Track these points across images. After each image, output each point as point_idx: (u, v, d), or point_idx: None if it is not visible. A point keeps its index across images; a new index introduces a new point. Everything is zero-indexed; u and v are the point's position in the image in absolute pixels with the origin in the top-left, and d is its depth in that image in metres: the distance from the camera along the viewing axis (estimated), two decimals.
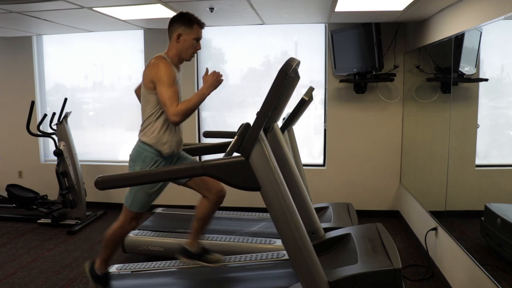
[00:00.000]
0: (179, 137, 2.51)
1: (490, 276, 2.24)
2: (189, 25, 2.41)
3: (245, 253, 3.01)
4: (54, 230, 4.23)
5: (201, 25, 2.45)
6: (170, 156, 2.50)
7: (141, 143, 2.43)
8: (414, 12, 3.40)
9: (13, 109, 5.06)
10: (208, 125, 4.85)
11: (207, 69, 2.39)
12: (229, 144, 1.79)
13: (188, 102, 2.27)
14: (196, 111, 4.70)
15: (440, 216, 3.15)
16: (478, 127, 2.84)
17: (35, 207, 4.51)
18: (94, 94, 5.21)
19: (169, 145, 2.44)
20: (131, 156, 2.46)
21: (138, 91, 2.68)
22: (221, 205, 4.64)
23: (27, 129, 4.32)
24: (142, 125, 2.47)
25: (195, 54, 2.55)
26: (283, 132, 3.27)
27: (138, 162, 2.41)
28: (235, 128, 2.04)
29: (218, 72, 2.33)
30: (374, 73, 4.13)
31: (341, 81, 4.36)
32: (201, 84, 4.89)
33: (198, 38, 2.45)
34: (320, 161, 4.74)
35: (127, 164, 2.50)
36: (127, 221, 2.50)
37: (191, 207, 2.76)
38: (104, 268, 2.63)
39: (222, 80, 2.34)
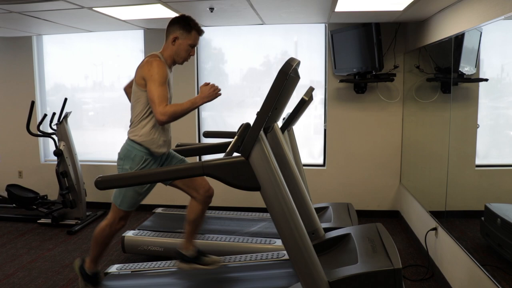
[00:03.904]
0: (167, 137, 2.51)
1: (490, 276, 2.24)
2: (188, 30, 2.40)
3: (245, 253, 3.01)
4: (54, 230, 4.23)
5: (200, 32, 2.44)
6: (159, 155, 2.49)
7: (130, 141, 2.42)
8: (414, 12, 3.40)
9: (13, 109, 5.06)
10: (208, 125, 4.85)
11: (209, 83, 2.33)
12: (229, 144, 1.79)
13: (178, 106, 2.25)
14: (196, 111, 4.70)
15: (440, 216, 3.15)
16: (478, 127, 2.84)
17: (35, 207, 4.51)
18: (94, 94, 5.21)
19: (158, 144, 2.43)
20: (120, 154, 2.45)
21: (127, 89, 2.67)
22: (221, 205, 4.64)
23: (27, 129, 4.32)
24: (131, 123, 2.46)
25: (189, 59, 2.54)
26: (283, 132, 3.27)
27: (127, 161, 2.40)
28: (235, 128, 2.04)
29: (217, 86, 2.30)
30: (374, 73, 4.13)
31: (341, 81, 4.36)
32: (200, 84, 4.88)
33: (194, 45, 2.45)
34: (320, 161, 4.74)
35: None
36: (115, 219, 2.50)
37: None
38: (94, 267, 2.62)
39: (219, 94, 2.31)
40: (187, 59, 2.50)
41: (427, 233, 3.27)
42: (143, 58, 2.47)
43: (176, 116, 2.26)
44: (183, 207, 4.22)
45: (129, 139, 2.43)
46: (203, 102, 2.29)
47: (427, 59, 3.77)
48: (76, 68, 5.08)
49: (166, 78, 2.31)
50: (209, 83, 2.31)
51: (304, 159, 4.25)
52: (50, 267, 3.37)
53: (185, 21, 2.41)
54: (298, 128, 3.78)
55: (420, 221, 3.65)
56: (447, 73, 3.20)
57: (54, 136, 4.40)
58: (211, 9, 3.45)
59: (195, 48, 2.51)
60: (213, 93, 2.28)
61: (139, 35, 4.71)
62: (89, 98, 5.24)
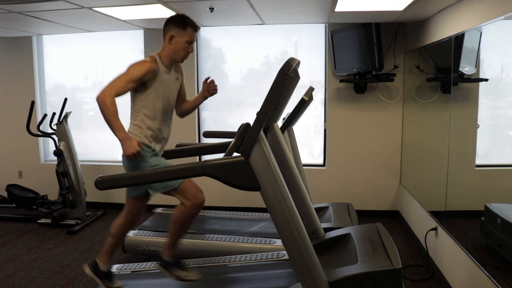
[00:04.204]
0: (159, 133, 2.45)
1: (490, 276, 2.24)
2: (183, 27, 2.39)
3: (245, 253, 3.01)
4: (54, 230, 4.23)
5: (195, 28, 2.42)
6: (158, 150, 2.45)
7: None
8: (414, 12, 3.40)
9: (13, 109, 5.05)
10: (208, 125, 4.85)
11: (141, 146, 2.28)
12: (229, 144, 1.79)
13: (115, 116, 2.22)
14: (196, 111, 4.69)
15: (440, 216, 3.15)
16: (478, 127, 2.84)
17: (35, 207, 4.51)
18: (94, 94, 5.13)
19: (153, 137, 2.40)
20: (123, 158, 2.41)
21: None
22: (221, 205, 4.63)
23: (27, 129, 4.32)
24: (129, 124, 2.46)
25: (188, 56, 2.53)
26: (283, 132, 3.27)
27: (133, 162, 2.38)
28: (235, 128, 2.04)
29: (139, 154, 2.27)
30: (374, 73, 4.13)
31: (341, 81, 4.36)
32: (200, 83, 4.87)
33: (190, 41, 2.42)
34: (320, 161, 4.73)
35: None
36: (189, 200, 2.38)
37: None
38: (171, 253, 2.55)
39: (133, 153, 2.24)
40: (186, 57, 2.48)
41: (427, 233, 3.27)
42: (144, 58, 2.47)
43: (104, 113, 2.23)
44: None
45: None
46: (123, 144, 2.26)
47: (427, 59, 3.77)
48: (76, 68, 5.08)
49: (139, 79, 2.28)
50: (141, 147, 2.28)
51: (304, 159, 4.25)
52: (50, 267, 3.37)
53: (180, 19, 2.40)
54: (298, 128, 3.77)
55: (420, 221, 3.65)
56: (447, 73, 3.20)
57: (54, 136, 4.41)
58: (211, 9, 3.45)
59: (194, 45, 2.50)
60: (132, 150, 2.24)
61: (139, 35, 4.71)
62: (89, 98, 5.24)
